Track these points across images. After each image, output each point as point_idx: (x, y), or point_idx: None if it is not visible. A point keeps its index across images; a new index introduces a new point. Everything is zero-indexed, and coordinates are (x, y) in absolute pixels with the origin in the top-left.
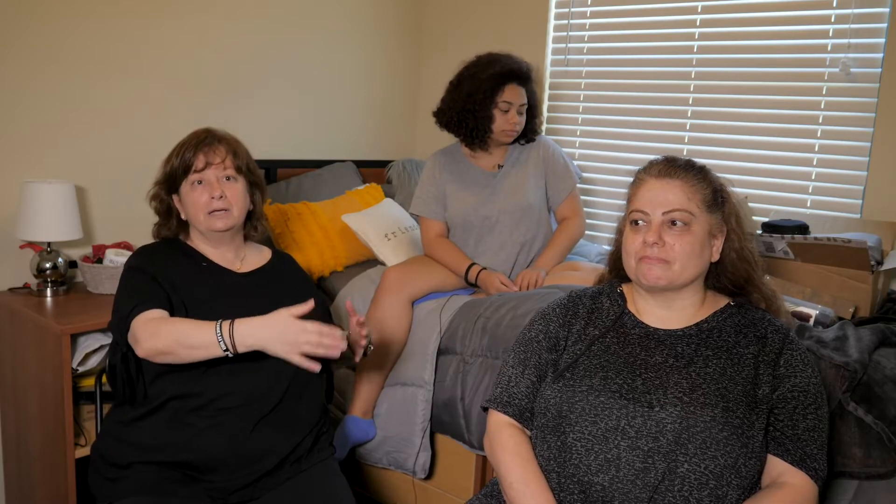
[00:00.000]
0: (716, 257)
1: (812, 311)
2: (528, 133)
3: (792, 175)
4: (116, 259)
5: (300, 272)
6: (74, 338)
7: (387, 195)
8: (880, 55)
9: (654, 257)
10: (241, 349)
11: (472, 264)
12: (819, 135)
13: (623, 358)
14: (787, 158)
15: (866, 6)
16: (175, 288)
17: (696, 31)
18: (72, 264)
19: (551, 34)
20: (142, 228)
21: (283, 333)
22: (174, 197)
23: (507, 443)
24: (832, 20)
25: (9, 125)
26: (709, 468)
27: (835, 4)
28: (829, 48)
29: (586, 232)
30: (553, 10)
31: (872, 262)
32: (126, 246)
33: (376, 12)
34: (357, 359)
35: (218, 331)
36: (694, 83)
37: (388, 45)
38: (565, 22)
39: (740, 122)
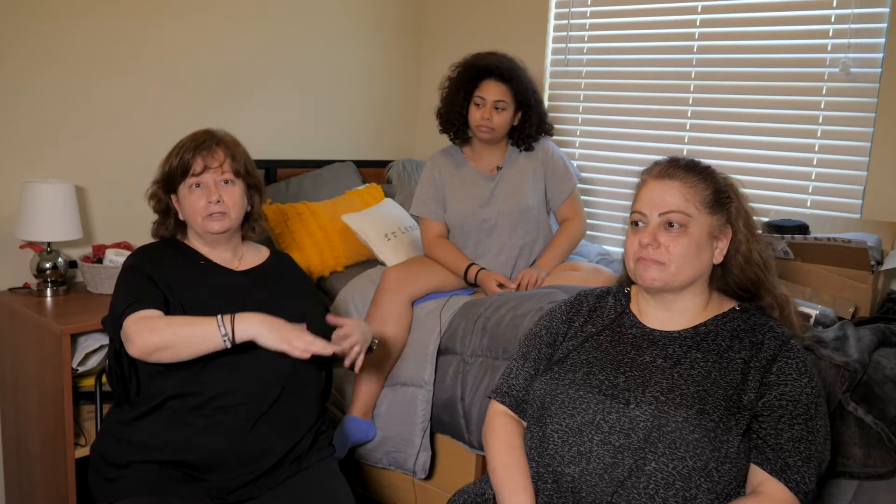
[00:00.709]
0: (718, 259)
1: (812, 311)
2: (526, 139)
3: (792, 175)
4: (116, 259)
5: (299, 271)
6: (74, 338)
7: (387, 195)
8: (880, 55)
9: (650, 259)
10: (238, 337)
11: (472, 264)
12: (819, 135)
13: (612, 356)
14: (787, 158)
15: (866, 6)
16: (172, 287)
17: (696, 31)
18: (72, 264)
19: (551, 34)
20: (142, 228)
21: (281, 327)
22: (172, 196)
23: (499, 431)
24: (832, 20)
25: (9, 125)
26: (676, 468)
27: (835, 4)
28: (829, 48)
29: (587, 232)
30: (553, 10)
31: (872, 262)
32: (126, 246)
33: (376, 12)
34: (346, 364)
35: (219, 320)
36: (694, 83)
37: (388, 45)
38: (565, 22)
39: (740, 122)
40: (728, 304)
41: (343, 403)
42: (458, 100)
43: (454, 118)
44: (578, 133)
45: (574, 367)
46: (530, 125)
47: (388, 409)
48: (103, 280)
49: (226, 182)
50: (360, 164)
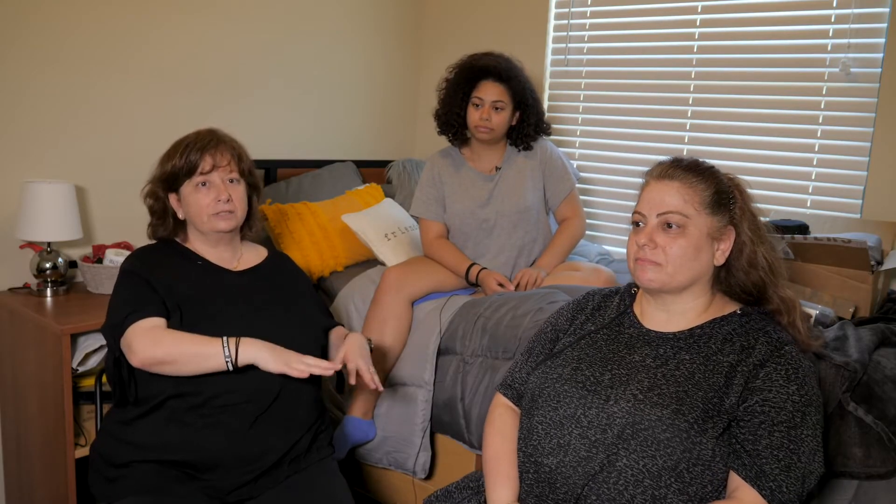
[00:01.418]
0: (720, 261)
1: (812, 311)
2: (525, 139)
3: (792, 175)
4: (116, 259)
5: (297, 271)
6: (74, 338)
7: (387, 195)
8: (880, 55)
9: (647, 259)
10: (240, 360)
11: (473, 264)
12: (819, 135)
13: (603, 353)
14: (787, 158)
15: (866, 6)
16: (170, 290)
17: (696, 31)
18: (72, 264)
19: (551, 34)
20: (142, 228)
21: (281, 354)
22: (171, 195)
23: (496, 421)
24: (832, 20)
25: (9, 125)
26: (646, 466)
27: (835, 4)
28: (829, 48)
29: (586, 232)
30: (553, 10)
31: (872, 262)
32: (126, 246)
33: (376, 12)
34: (352, 381)
35: (224, 341)
36: (694, 83)
37: (388, 45)
38: (565, 22)
39: (740, 122)
40: (730, 307)
41: (343, 403)
42: (456, 101)
43: (453, 119)
44: (578, 133)
45: (566, 362)
46: (528, 125)
47: (388, 409)
48: (103, 280)
49: (232, 181)
50: (360, 164)
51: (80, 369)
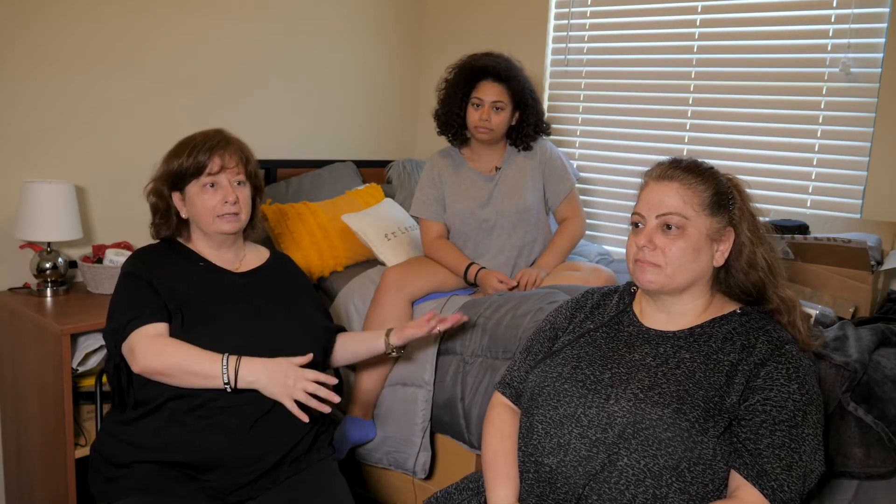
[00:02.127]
0: (719, 262)
1: (812, 311)
2: (525, 138)
3: (792, 175)
4: (116, 259)
5: (299, 272)
6: (74, 338)
7: (387, 195)
8: (880, 55)
9: (646, 261)
10: (240, 383)
11: (472, 263)
12: (819, 135)
13: (603, 352)
14: (787, 158)
15: (866, 6)
16: (172, 291)
17: (696, 31)
18: (72, 264)
19: (551, 34)
20: (142, 228)
21: (283, 377)
22: (175, 194)
23: (495, 420)
24: (832, 20)
25: (9, 125)
26: (648, 466)
27: (835, 4)
28: (829, 48)
29: (586, 232)
30: (553, 10)
31: (872, 262)
32: (126, 246)
33: (376, 12)
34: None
35: (224, 363)
36: (694, 83)
37: (388, 45)
38: (565, 22)
39: (740, 122)
40: (730, 307)
41: (343, 403)
42: (455, 101)
43: (452, 120)
44: (578, 133)
45: (565, 360)
46: (528, 125)
47: (388, 409)
48: (103, 280)
49: (239, 183)
50: (360, 164)
51: (80, 369)
